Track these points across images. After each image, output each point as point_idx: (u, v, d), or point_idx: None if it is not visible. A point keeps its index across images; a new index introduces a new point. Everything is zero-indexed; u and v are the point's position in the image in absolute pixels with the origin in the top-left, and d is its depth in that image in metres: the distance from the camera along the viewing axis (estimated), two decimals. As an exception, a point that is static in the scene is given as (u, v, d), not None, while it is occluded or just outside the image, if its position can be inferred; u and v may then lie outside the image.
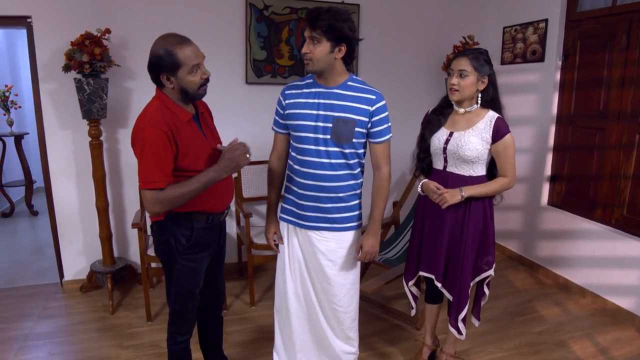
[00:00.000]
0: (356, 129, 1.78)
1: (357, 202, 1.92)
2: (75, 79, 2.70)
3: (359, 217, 1.95)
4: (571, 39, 3.23)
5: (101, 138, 2.92)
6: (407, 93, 3.74)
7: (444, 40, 3.69)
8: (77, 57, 2.63)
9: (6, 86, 4.59)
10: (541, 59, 3.40)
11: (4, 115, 4.62)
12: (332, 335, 2.01)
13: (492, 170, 2.04)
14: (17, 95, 4.69)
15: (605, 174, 3.04)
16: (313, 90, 1.82)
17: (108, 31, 2.75)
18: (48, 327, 2.77)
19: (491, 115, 1.94)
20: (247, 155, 1.70)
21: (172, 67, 1.60)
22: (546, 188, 3.50)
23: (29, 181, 4.90)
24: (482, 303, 2.18)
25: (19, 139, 4.77)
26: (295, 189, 1.90)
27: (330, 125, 1.78)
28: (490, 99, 1.96)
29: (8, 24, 2.85)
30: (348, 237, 1.92)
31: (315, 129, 1.80)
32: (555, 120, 3.39)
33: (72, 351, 2.54)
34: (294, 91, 1.88)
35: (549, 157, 3.45)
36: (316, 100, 1.80)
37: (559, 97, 3.36)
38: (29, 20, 2.81)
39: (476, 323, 2.19)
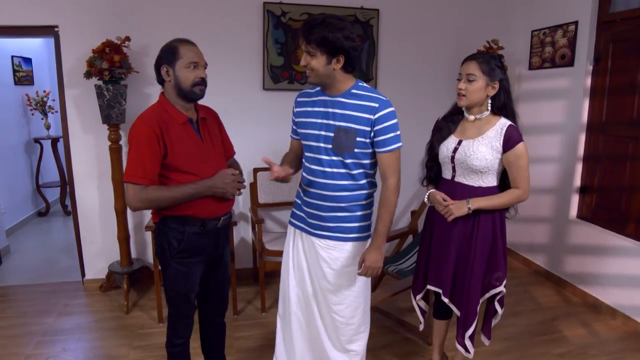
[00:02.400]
0: (358, 139, 1.72)
1: (362, 212, 1.85)
2: (95, 85, 2.80)
3: (366, 228, 1.88)
4: (603, 42, 3.04)
5: (120, 142, 3.02)
6: (428, 100, 3.64)
7: (468, 45, 3.56)
8: (98, 64, 2.74)
9: (45, 92, 4.85)
10: (570, 63, 3.22)
11: (42, 119, 4.89)
12: (330, 347, 1.95)
13: (506, 181, 1.93)
14: (54, 100, 4.95)
15: (638, 185, 2.83)
16: (320, 98, 1.80)
17: (128, 39, 2.84)
18: (66, 323, 2.87)
19: (502, 123, 1.84)
20: (239, 191, 1.77)
21: (172, 59, 1.70)
22: (575, 200, 3.30)
23: (63, 182, 5.14)
24: (494, 322, 2.06)
25: (55, 142, 5.02)
26: (303, 195, 1.90)
27: (332, 134, 1.75)
28: (502, 106, 1.86)
29: (37, 33, 3.01)
30: (352, 247, 1.86)
31: (318, 138, 1.78)
32: (586, 128, 3.19)
33: (85, 348, 2.62)
34: (304, 99, 1.87)
35: (579, 168, 3.25)
36: (321, 109, 1.78)
37: (589, 104, 3.16)
38: (56, 29, 2.95)
39: (486, 342, 2.08)
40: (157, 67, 1.73)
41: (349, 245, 1.86)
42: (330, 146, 1.75)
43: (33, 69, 4.99)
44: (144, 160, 1.64)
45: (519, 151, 1.80)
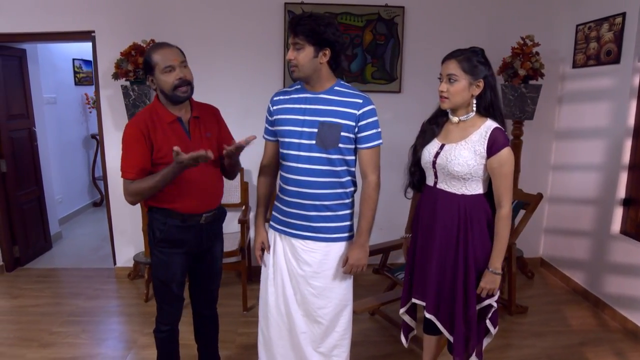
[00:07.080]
0: (342, 134, 1.72)
1: (346, 212, 1.84)
2: (122, 85, 3.00)
3: (350, 228, 1.87)
4: (653, 36, 2.69)
5: (145, 139, 3.20)
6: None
7: (501, 42, 3.31)
8: (124, 66, 2.92)
9: (101, 92, 5.27)
10: (617, 60, 2.88)
11: (98, 117, 5.31)
12: (311, 352, 1.92)
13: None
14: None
15: (690, 200, 2.47)
16: (300, 95, 1.80)
17: (153, 42, 3.00)
18: (91, 306, 3.10)
19: (488, 126, 1.70)
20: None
21: (150, 69, 1.77)
22: (618, 213, 2.95)
23: (116, 176, 5.55)
24: (487, 342, 1.90)
25: (109, 138, 5.44)
26: (282, 196, 1.88)
27: (315, 130, 1.74)
28: (489, 105, 1.71)
29: (76, 38, 3.28)
30: (336, 248, 1.84)
31: (300, 135, 1.77)
32: (632, 132, 2.84)
33: (102, 330, 2.81)
34: (282, 97, 1.86)
35: (623, 177, 2.90)
36: (303, 106, 1.78)
37: (636, 106, 2.80)
38: (92, 34, 3.20)
39: (475, 362, 1.92)
40: (145, 78, 1.84)
41: (333, 247, 1.83)
42: (313, 142, 1.74)
43: (92, 71, 5.43)
44: (130, 157, 1.77)
45: (503, 157, 1.65)
